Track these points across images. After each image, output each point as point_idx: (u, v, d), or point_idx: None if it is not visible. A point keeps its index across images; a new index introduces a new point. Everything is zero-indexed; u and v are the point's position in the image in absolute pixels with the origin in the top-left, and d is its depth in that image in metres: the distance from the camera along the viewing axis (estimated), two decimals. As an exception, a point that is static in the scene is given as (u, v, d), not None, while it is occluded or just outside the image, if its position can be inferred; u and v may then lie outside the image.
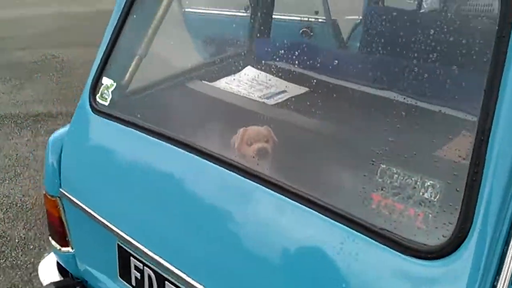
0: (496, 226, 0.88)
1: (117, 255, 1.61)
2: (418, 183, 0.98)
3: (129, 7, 1.65)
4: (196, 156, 1.39)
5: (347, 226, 1.03)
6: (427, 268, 0.92)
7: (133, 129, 1.55)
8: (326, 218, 1.06)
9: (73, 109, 1.74)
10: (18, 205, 3.56)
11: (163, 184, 1.47)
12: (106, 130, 1.63)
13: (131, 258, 1.55)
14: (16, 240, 3.17)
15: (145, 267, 1.51)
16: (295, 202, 1.11)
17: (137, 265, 1.54)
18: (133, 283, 1.57)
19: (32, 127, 4.85)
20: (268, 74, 2.04)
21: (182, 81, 1.87)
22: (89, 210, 1.63)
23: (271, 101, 1.89)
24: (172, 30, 1.93)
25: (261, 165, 1.30)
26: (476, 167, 0.89)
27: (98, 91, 1.66)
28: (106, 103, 1.63)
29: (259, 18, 2.31)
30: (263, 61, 2.12)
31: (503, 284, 0.88)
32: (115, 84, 1.63)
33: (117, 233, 1.54)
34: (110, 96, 1.63)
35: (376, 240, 0.99)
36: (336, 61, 1.91)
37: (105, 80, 1.65)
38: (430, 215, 0.95)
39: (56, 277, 1.91)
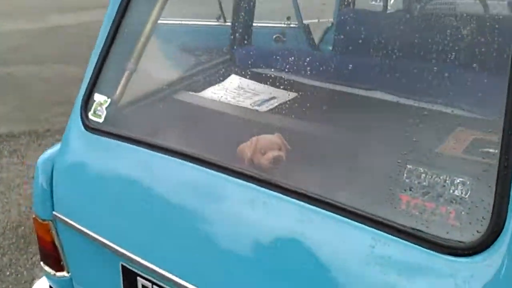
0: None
1: (121, 276, 1.55)
2: (447, 181, 0.99)
3: (118, 24, 1.63)
4: (200, 167, 1.37)
5: (376, 229, 1.03)
6: (465, 265, 0.93)
7: (131, 145, 1.51)
8: (353, 222, 1.06)
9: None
10: (-12, 231, 3.41)
11: (166, 198, 1.44)
12: (102, 147, 1.58)
13: (138, 278, 1.51)
14: (-10, 268, 3.04)
15: (154, 286, 1.47)
16: (319, 209, 1.10)
17: (145, 284, 1.49)
18: (141, 303, 1.53)
19: (-6, 149, 4.67)
20: (253, 82, 2.04)
21: (174, 93, 1.84)
22: (89, 232, 1.57)
23: (263, 108, 1.89)
24: (159, 42, 1.90)
25: (274, 172, 1.29)
26: (506, 161, 0.91)
27: (91, 108, 1.61)
28: (101, 120, 1.59)
29: (240, 26, 2.30)
30: (247, 69, 2.12)
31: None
32: (109, 100, 1.58)
33: (122, 253, 1.49)
34: (105, 113, 1.58)
35: (408, 241, 0.99)
36: (319, 64, 1.92)
37: (98, 97, 1.60)
38: (463, 212, 0.97)
39: (51, 303, 1.84)
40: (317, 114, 1.63)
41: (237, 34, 2.33)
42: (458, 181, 0.98)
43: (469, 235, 0.95)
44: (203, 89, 1.97)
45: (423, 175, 1.01)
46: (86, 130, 1.61)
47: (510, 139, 0.91)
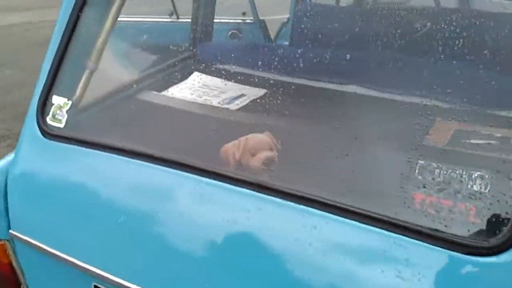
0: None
1: (95, 299, 1.40)
2: (464, 176, 0.93)
3: (75, 21, 1.47)
4: (175, 171, 1.25)
5: (390, 231, 0.95)
6: (492, 265, 0.87)
7: (97, 150, 1.37)
8: (364, 225, 0.98)
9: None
10: None
11: (137, 207, 1.31)
12: (63, 155, 1.42)
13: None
14: None
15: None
16: (327, 213, 1.01)
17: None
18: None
19: None
20: (218, 79, 1.94)
21: (138, 92, 1.70)
22: (52, 250, 1.41)
23: (234, 106, 1.80)
24: (119, 40, 1.75)
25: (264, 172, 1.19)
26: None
27: (48, 112, 1.44)
28: (61, 125, 1.42)
29: (200, 23, 2.19)
30: (210, 66, 2.03)
31: None
32: (70, 102, 1.42)
33: (94, 272, 1.34)
34: (66, 116, 1.42)
35: (426, 242, 0.92)
36: (287, 59, 1.85)
37: (57, 99, 1.43)
38: (484, 208, 0.91)
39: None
40: (295, 110, 1.55)
41: (197, 31, 2.21)
42: (476, 175, 0.92)
43: (493, 233, 0.88)
44: (167, 87, 1.85)
45: (437, 170, 0.94)
46: (44, 136, 1.44)
47: None
